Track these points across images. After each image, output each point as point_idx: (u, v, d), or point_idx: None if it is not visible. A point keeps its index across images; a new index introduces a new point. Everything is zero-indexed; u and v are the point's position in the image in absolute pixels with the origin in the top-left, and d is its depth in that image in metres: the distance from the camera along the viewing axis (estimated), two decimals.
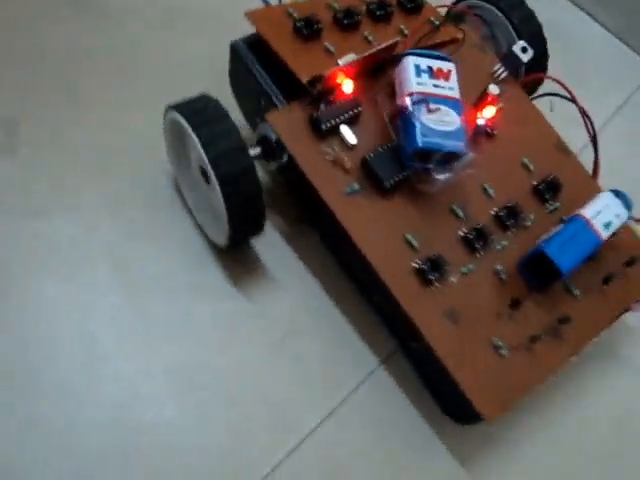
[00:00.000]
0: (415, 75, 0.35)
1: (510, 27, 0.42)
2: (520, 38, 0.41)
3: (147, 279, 0.39)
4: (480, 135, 0.38)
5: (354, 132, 0.35)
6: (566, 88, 0.39)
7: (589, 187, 0.39)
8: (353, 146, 0.35)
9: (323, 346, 0.38)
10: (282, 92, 0.36)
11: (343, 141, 0.35)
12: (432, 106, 0.34)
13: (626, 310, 0.38)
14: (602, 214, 0.35)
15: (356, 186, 0.35)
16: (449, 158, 0.34)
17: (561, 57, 0.44)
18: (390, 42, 0.36)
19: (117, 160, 0.42)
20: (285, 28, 0.37)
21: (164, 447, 0.35)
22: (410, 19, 0.40)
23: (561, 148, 0.40)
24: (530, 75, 0.41)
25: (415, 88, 0.35)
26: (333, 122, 0.35)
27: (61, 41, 0.46)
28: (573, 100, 0.40)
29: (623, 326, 0.41)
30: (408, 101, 0.34)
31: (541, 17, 0.43)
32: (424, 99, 0.34)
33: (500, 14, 0.42)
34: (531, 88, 0.43)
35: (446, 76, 0.36)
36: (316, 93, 0.34)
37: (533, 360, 0.35)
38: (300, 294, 0.39)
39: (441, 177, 0.34)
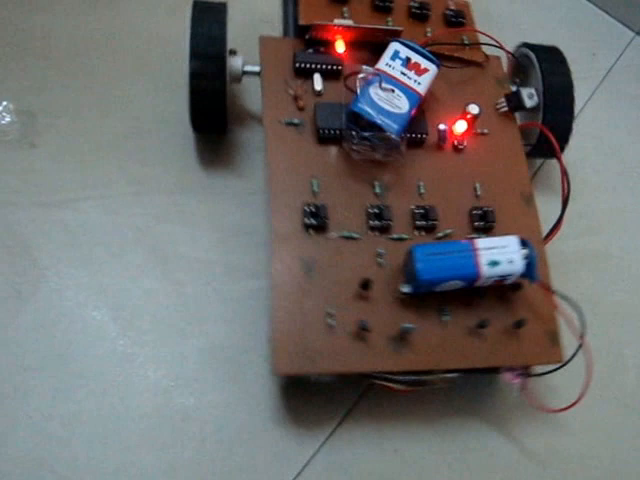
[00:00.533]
0: (390, 58, 0.37)
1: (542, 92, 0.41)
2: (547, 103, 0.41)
3: (179, 260, 0.40)
4: (444, 142, 0.39)
5: (325, 84, 0.39)
6: (555, 148, 0.39)
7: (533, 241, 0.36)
8: (318, 92, 0.38)
9: None
10: (295, 29, 0.40)
11: (312, 86, 0.39)
12: (386, 85, 0.36)
13: (494, 370, 0.36)
14: (494, 251, 0.34)
15: (296, 120, 0.38)
16: (380, 135, 0.36)
17: (543, 28, 0.44)
18: (392, 27, 0.39)
19: (139, 143, 0.43)
20: None
21: (208, 430, 0.36)
22: (445, 29, 0.42)
23: (526, 198, 0.39)
24: (530, 123, 0.41)
25: (381, 67, 0.37)
26: (308, 65, 0.38)
27: (65, 28, 0.46)
28: (558, 159, 0.39)
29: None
30: (365, 70, 0.36)
31: None
32: (381, 76, 0.36)
33: (540, 77, 0.42)
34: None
35: (420, 72, 0.37)
36: (307, 37, 0.39)
37: (355, 347, 0.34)
38: None
39: (356, 142, 0.36)
